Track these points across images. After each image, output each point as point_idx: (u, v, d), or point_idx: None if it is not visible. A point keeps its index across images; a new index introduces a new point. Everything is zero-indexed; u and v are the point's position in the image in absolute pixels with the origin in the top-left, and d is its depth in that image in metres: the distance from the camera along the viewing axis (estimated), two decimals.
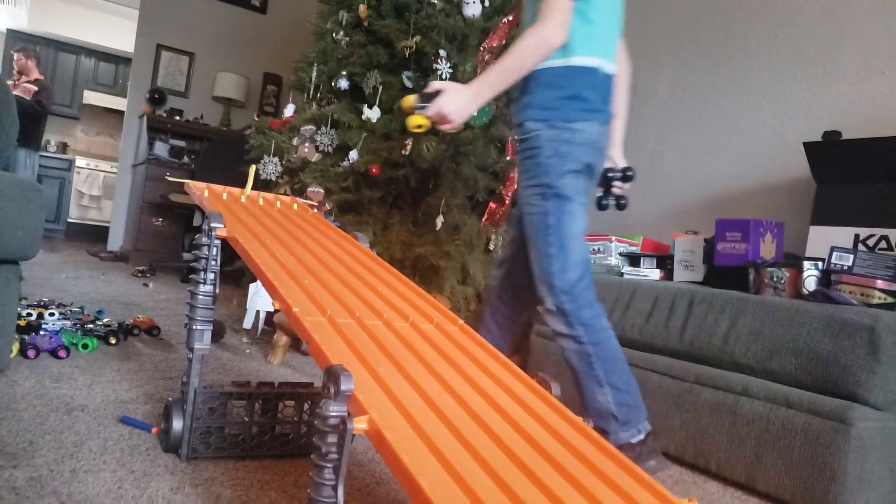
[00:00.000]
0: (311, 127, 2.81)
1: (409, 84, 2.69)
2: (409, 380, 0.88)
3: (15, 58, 4.91)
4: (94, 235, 7.19)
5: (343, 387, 0.75)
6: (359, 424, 0.73)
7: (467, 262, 2.57)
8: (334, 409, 0.75)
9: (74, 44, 7.62)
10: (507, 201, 2.70)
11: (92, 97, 7.72)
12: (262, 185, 2.76)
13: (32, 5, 7.01)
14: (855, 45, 2.13)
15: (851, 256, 1.58)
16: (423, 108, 1.32)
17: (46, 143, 7.56)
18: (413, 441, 0.74)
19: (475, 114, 2.41)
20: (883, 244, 1.72)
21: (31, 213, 1.56)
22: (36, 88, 4.78)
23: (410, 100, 1.33)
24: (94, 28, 7.45)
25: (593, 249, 2.24)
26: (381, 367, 0.89)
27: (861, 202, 1.80)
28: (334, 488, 0.75)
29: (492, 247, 2.73)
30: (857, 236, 1.77)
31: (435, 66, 2.64)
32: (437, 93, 1.30)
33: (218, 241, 1.27)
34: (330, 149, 2.72)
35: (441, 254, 2.54)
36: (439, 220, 2.56)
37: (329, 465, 0.75)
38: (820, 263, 1.63)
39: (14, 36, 7.33)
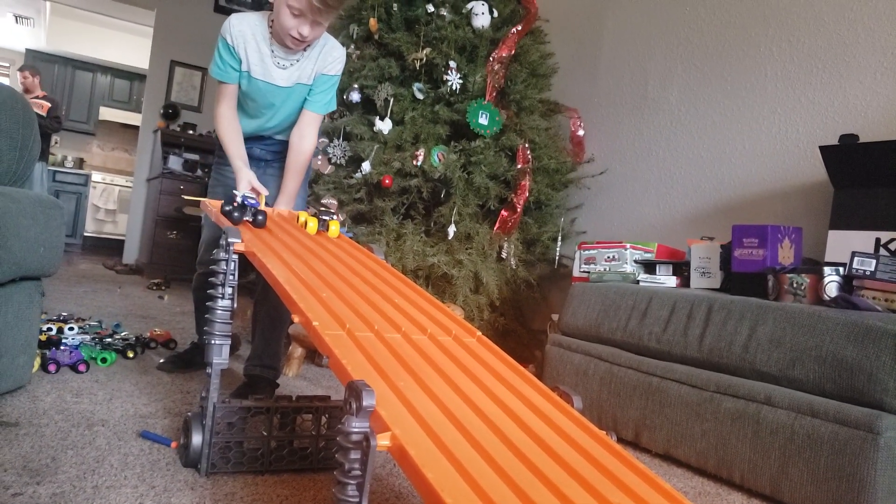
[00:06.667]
0: (324, 139, 2.83)
1: (419, 96, 2.70)
2: (429, 394, 0.88)
3: (20, 77, 5.02)
4: (110, 249, 7.27)
5: (365, 402, 0.75)
6: (382, 441, 0.73)
7: (480, 271, 2.57)
8: (357, 426, 0.75)
9: (91, 62, 7.76)
10: (518, 209, 2.70)
11: (107, 113, 7.84)
12: None
13: (51, 25, 7.15)
14: (869, 49, 2.11)
15: (874, 261, 1.56)
16: (330, 216, 1.57)
17: (63, 159, 7.68)
18: (436, 457, 0.73)
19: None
20: None
21: (52, 230, 1.58)
22: (48, 104, 4.88)
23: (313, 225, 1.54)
24: (110, 46, 7.58)
25: (608, 257, 2.22)
26: (402, 381, 0.89)
27: (881, 205, 1.77)
28: None
29: (504, 255, 2.72)
30: (877, 240, 1.75)
31: (445, 77, 2.65)
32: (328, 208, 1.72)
33: (235, 256, 1.28)
34: (342, 160, 2.73)
35: (454, 263, 2.54)
36: (451, 230, 2.55)
37: (353, 481, 0.74)
38: (841, 269, 1.60)
39: (33, 55, 7.48)
